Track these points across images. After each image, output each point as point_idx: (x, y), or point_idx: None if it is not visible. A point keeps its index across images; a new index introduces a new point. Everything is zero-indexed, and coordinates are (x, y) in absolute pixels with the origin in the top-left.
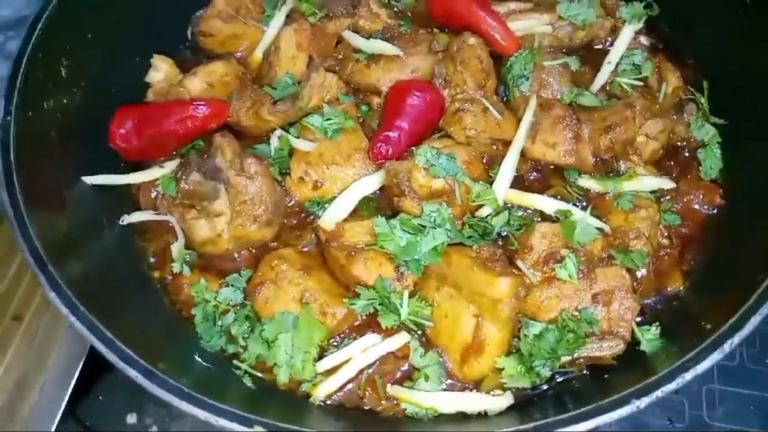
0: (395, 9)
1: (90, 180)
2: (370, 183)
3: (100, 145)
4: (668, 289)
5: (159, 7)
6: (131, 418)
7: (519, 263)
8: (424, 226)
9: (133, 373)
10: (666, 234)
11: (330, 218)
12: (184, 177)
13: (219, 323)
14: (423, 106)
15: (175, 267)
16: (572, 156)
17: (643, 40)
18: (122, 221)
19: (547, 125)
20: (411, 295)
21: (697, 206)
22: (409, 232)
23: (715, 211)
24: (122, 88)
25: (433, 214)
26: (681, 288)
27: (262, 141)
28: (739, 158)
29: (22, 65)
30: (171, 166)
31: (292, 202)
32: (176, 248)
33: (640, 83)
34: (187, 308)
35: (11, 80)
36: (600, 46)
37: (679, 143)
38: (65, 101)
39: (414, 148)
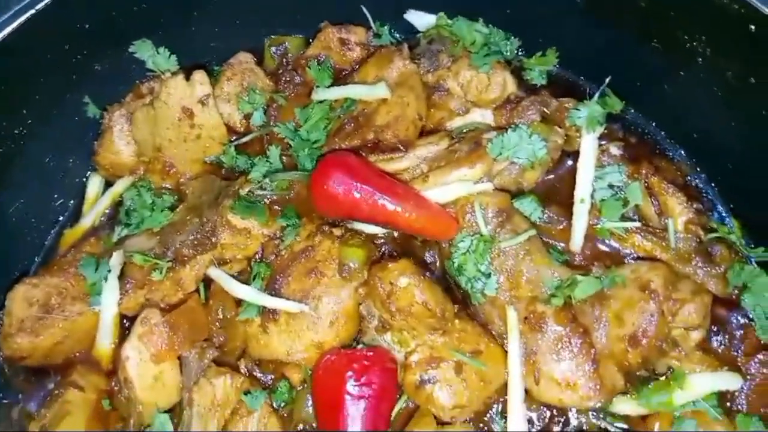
0: (266, 199)
1: None
2: None
3: None
4: None
5: None
6: None
7: None
8: None
9: None
10: None
11: None
12: None
13: None
14: (374, 399)
15: None
16: (598, 393)
17: (614, 149)
18: None
19: (546, 353)
20: None
21: None
22: None
23: None
24: None
25: None
26: None
27: None
28: None
29: None
30: None
31: None
32: None
33: (636, 222)
34: None
35: None
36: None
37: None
38: None
39: None
